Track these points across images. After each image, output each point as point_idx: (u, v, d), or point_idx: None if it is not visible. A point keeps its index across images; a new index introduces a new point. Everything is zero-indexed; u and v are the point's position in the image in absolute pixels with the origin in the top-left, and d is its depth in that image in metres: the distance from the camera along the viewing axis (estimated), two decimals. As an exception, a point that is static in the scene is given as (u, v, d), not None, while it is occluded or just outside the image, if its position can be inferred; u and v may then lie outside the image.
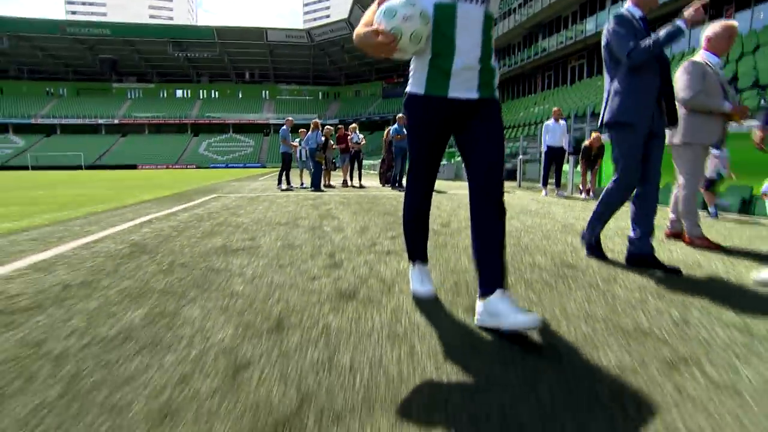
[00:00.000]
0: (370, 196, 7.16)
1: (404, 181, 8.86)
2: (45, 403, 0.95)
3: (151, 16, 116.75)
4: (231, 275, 2.11)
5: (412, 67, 1.56)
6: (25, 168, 47.53)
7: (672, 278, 2.05)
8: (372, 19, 1.44)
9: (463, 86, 1.46)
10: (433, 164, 1.61)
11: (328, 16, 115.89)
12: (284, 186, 9.07)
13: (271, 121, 64.55)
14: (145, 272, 2.16)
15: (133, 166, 51.64)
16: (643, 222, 2.32)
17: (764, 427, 0.86)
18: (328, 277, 2.09)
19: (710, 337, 1.33)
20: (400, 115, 9.28)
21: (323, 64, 67.46)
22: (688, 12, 2.04)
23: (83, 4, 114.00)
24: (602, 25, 19.51)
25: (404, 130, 8.82)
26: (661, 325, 1.44)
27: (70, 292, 1.83)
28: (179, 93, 70.12)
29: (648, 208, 2.32)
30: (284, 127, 8.93)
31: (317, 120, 8.99)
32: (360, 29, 1.43)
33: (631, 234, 2.36)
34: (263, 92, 71.36)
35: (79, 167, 51.19)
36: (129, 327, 1.42)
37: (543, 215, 4.54)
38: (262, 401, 0.96)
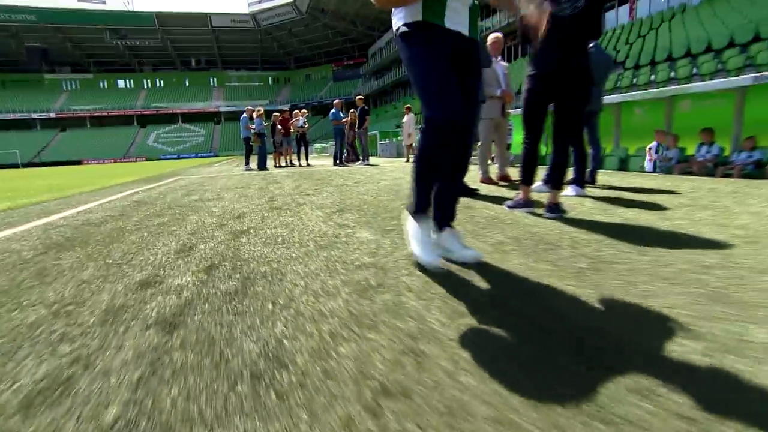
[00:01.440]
0: (312, 171, 8.61)
1: (344, 159, 10.44)
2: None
3: (81, 0, 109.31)
4: (209, 207, 3.56)
5: (397, 9, 1.53)
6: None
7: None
8: None
9: (456, 19, 1.48)
10: (454, 84, 1.47)
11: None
12: (251, 166, 10.26)
13: (221, 109, 63.55)
14: (156, 209, 3.57)
15: (77, 162, 49.76)
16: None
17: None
18: (268, 203, 3.59)
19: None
20: (337, 101, 10.67)
21: (271, 48, 66.72)
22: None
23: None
24: None
25: (340, 114, 10.31)
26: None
27: (128, 211, 3.23)
28: (121, 83, 67.23)
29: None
30: (244, 114, 10.16)
31: (260, 109, 10.24)
32: None
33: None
34: (211, 79, 69.78)
35: (15, 165, 48.73)
36: (163, 222, 2.88)
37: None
38: (232, 230, 2.48)
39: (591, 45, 4.34)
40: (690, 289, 1.24)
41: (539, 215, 2.55)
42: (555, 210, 2.51)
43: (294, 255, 1.85)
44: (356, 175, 6.62)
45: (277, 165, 11.12)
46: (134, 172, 14.81)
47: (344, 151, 10.60)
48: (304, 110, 11.65)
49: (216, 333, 1.08)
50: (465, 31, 1.51)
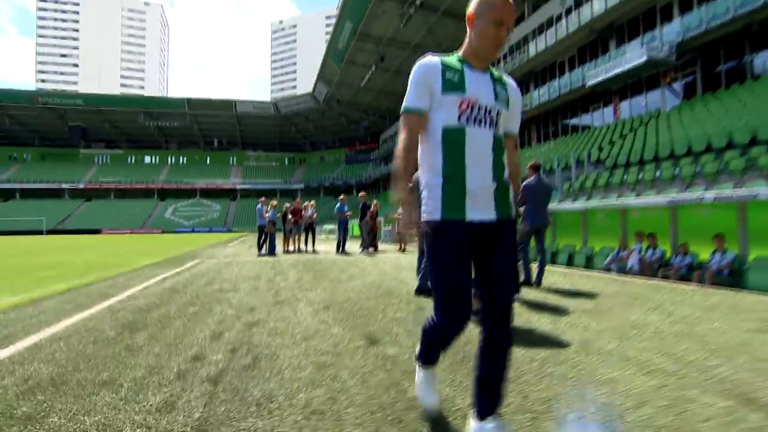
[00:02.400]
0: (315, 260, 9.76)
1: (347, 248, 11.67)
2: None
3: (123, 85, 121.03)
4: (229, 299, 4.64)
5: (423, 194, 1.51)
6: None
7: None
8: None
9: (480, 208, 1.44)
10: (466, 289, 1.46)
11: (294, 87, 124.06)
12: (263, 251, 11.47)
13: (238, 186, 67.29)
14: (187, 297, 4.66)
15: (97, 231, 52.04)
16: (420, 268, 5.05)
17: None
18: (273, 297, 4.67)
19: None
20: (342, 196, 12.18)
21: (289, 132, 72.03)
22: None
23: (55, 73, 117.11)
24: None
25: (344, 207, 11.74)
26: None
27: (165, 299, 4.31)
28: (147, 159, 72.30)
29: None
30: (259, 205, 11.62)
31: (275, 201, 11.75)
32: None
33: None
34: (231, 158, 74.73)
35: (39, 232, 51.08)
36: (196, 311, 3.95)
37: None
38: (246, 321, 3.55)
39: (534, 176, 5.63)
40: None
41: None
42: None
43: (286, 343, 2.89)
44: (351, 268, 7.75)
45: (286, 250, 12.35)
46: (153, 248, 16.13)
47: (346, 240, 11.89)
48: (313, 202, 13.16)
49: (240, 385, 2.12)
50: (491, 217, 1.46)
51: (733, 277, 6.07)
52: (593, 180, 14.48)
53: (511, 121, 1.60)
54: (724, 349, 2.65)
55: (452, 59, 1.52)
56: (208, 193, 67.18)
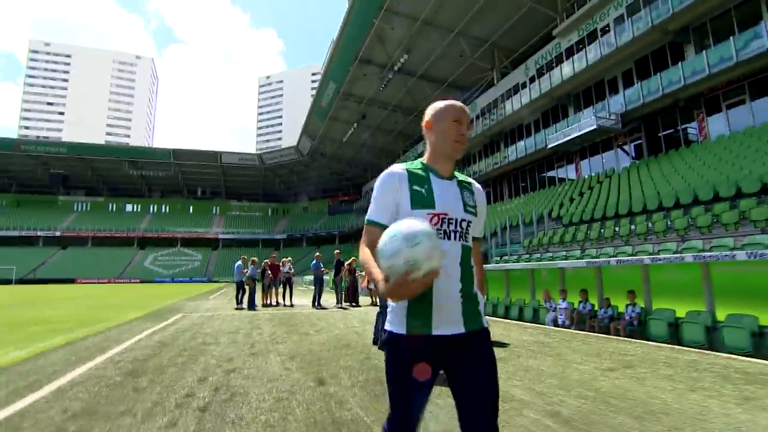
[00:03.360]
0: (291, 314, 10.60)
1: (322, 302, 12.52)
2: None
3: (108, 133, 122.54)
4: (211, 351, 5.51)
5: (389, 304, 1.44)
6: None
7: (375, 346, 5.73)
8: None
9: (448, 321, 1.38)
10: (419, 410, 1.39)
11: (279, 138, 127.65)
12: (242, 305, 12.25)
13: (220, 236, 67.48)
14: (176, 350, 5.50)
15: (71, 281, 51.05)
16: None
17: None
18: (249, 349, 5.56)
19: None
20: (318, 254, 13.19)
21: (273, 183, 73.60)
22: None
23: (39, 120, 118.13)
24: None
25: (320, 264, 12.72)
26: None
27: (157, 351, 5.16)
28: (129, 207, 72.30)
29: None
30: (239, 262, 12.50)
31: (254, 258, 12.69)
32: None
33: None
34: (214, 208, 75.35)
35: (8, 281, 49.80)
36: (184, 361, 4.83)
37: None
38: (225, 369, 4.47)
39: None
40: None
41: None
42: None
43: (256, 384, 3.83)
44: (321, 322, 8.66)
45: (265, 303, 13.12)
46: (135, 300, 16.59)
47: (322, 294, 12.77)
48: (289, 258, 14.11)
49: (221, 411, 3.05)
50: (459, 330, 1.39)
51: (642, 326, 7.22)
52: (549, 237, 15.90)
53: (477, 227, 1.58)
54: (572, 383, 3.71)
55: (418, 168, 1.52)
56: (190, 242, 67.01)
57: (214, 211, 75.02)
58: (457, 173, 1.59)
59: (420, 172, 1.51)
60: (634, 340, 6.21)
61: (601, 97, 22.83)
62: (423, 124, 1.58)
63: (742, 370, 4.09)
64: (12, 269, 51.39)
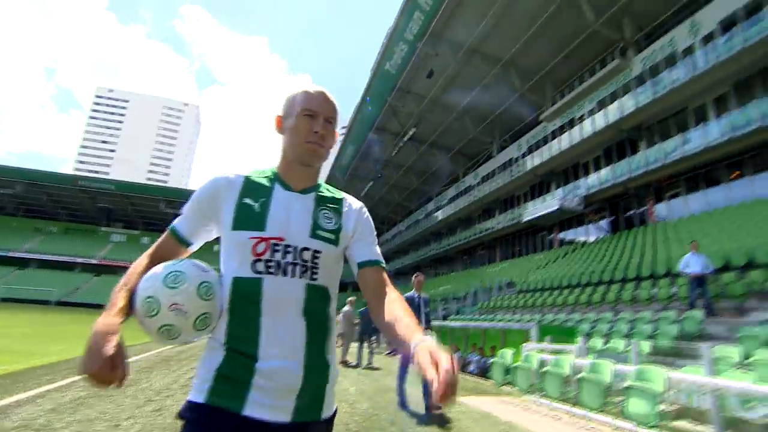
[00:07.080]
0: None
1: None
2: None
3: (150, 171, 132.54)
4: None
5: (200, 361, 1.06)
6: (-3, 300, 50.48)
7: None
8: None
9: (271, 399, 0.96)
10: None
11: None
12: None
13: (240, 273, 71.07)
14: (187, 354, 8.57)
15: (103, 306, 54.62)
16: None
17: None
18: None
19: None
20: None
21: (295, 227, 77.78)
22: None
23: (92, 156, 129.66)
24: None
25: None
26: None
27: (168, 356, 8.27)
28: (161, 241, 77.67)
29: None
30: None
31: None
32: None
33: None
34: (237, 246, 79.74)
35: (47, 302, 54.15)
36: (193, 354, 7.91)
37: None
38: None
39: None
40: None
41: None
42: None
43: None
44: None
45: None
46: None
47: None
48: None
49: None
50: (283, 418, 0.96)
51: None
52: (499, 301, 18.56)
53: (364, 249, 1.16)
54: (375, 397, 6.55)
55: (263, 177, 1.15)
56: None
57: (237, 250, 79.34)
58: (326, 186, 1.21)
59: (263, 181, 1.14)
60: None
61: (575, 178, 25.79)
62: (274, 121, 1.18)
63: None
64: (51, 291, 56.06)
